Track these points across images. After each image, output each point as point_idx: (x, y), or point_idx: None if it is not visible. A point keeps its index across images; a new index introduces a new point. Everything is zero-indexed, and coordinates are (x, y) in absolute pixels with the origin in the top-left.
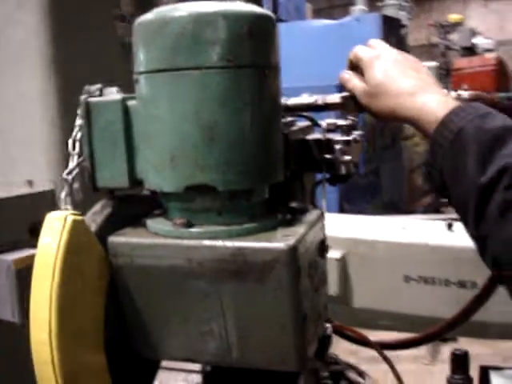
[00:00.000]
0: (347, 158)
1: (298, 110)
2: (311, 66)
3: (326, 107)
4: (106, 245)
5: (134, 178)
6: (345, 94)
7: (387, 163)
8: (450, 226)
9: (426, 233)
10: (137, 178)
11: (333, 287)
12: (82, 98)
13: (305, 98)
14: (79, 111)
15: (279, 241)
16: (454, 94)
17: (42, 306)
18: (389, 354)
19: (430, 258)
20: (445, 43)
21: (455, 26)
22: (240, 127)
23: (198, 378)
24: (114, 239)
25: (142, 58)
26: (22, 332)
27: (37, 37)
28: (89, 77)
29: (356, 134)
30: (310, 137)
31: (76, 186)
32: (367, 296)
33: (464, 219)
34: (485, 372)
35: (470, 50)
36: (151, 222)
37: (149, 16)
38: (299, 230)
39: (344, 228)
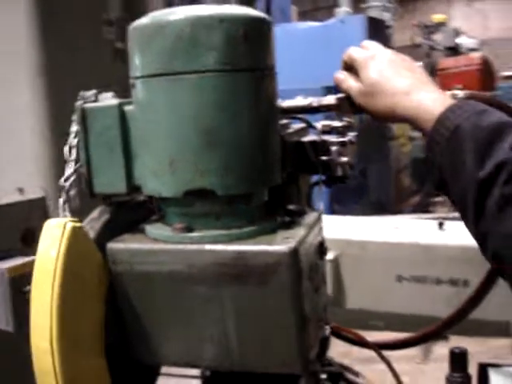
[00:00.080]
0: (343, 159)
1: (292, 112)
2: (297, 68)
3: (321, 109)
4: (105, 251)
5: (131, 184)
6: (340, 95)
7: (374, 164)
8: (440, 225)
9: (417, 232)
10: (134, 183)
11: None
12: (78, 103)
13: (300, 100)
14: (75, 117)
15: (280, 243)
16: (448, 93)
17: (43, 313)
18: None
19: (422, 258)
20: (429, 43)
21: (439, 26)
22: (239, 131)
23: (197, 383)
24: (113, 246)
25: (138, 63)
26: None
27: (25, 46)
28: (79, 83)
29: (351, 135)
30: (306, 139)
31: (73, 192)
32: (360, 297)
33: (464, 215)
34: (483, 369)
35: (454, 50)
36: (150, 228)
37: (144, 20)
38: (299, 232)
39: (336, 229)
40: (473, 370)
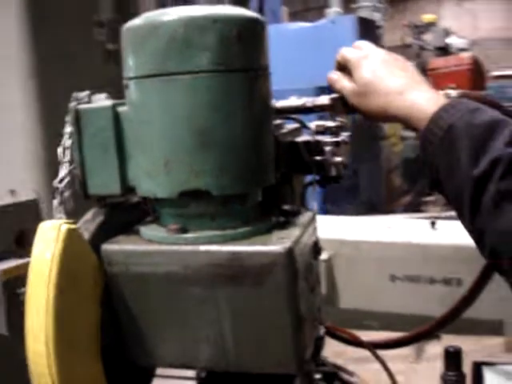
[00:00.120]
0: (338, 159)
1: (286, 113)
2: (289, 68)
3: (314, 109)
4: (100, 253)
5: (125, 185)
6: (333, 95)
7: (366, 164)
8: (433, 225)
9: (410, 232)
10: (129, 184)
11: None
12: (71, 105)
13: (293, 101)
14: (68, 118)
15: (275, 244)
16: (441, 93)
17: (38, 316)
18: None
19: (415, 257)
20: (419, 43)
21: (429, 26)
22: (233, 131)
23: None
24: (108, 247)
25: (131, 64)
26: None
27: (17, 42)
28: (71, 85)
29: (344, 135)
30: (299, 139)
31: (67, 194)
32: (354, 296)
33: (459, 213)
34: (478, 367)
35: (444, 50)
36: (144, 229)
37: (137, 21)
38: (294, 232)
39: (329, 229)
40: (466, 368)
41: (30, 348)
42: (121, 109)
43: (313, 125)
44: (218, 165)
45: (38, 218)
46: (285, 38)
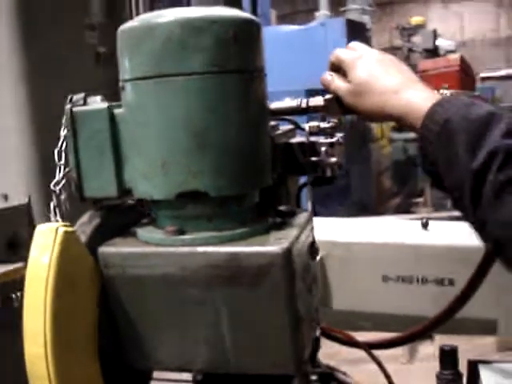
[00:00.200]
0: (333, 159)
1: (281, 114)
2: (279, 71)
3: (309, 110)
4: (96, 256)
5: (122, 187)
6: (328, 96)
7: (356, 166)
8: (424, 225)
9: (402, 232)
10: (125, 187)
11: None
12: (67, 107)
13: (288, 102)
14: (63, 121)
15: (273, 244)
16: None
17: (36, 319)
18: (364, 354)
19: (407, 258)
20: (408, 46)
21: (417, 28)
22: (230, 133)
23: None
24: (105, 250)
25: (127, 66)
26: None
27: (8, 49)
28: (62, 88)
29: (339, 135)
30: (294, 140)
31: (63, 197)
32: (346, 297)
33: (461, 208)
34: (473, 366)
35: (433, 52)
36: (141, 231)
37: (133, 23)
38: (291, 232)
39: (321, 231)
40: (460, 368)
41: (27, 351)
42: (117, 111)
43: (307, 126)
44: (215, 166)
45: (31, 223)
46: (275, 41)
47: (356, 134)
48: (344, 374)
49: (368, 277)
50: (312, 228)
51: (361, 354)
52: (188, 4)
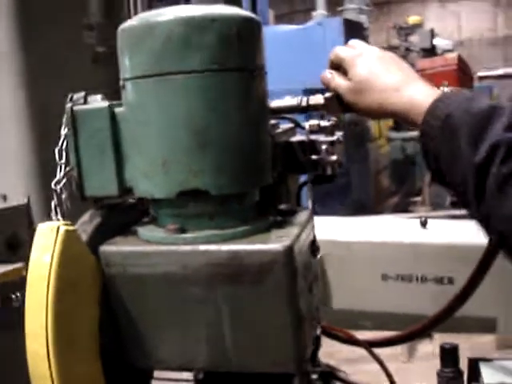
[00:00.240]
0: (333, 157)
1: (281, 112)
2: (277, 70)
3: (309, 108)
4: (98, 254)
5: (123, 186)
6: (328, 94)
7: (355, 165)
8: (423, 224)
9: (401, 231)
10: (126, 185)
11: None
12: (67, 106)
13: (288, 100)
14: (64, 120)
15: (275, 242)
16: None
17: (38, 319)
18: (363, 353)
19: (407, 256)
20: (405, 45)
21: (415, 27)
22: (230, 131)
23: None
24: (106, 248)
25: (127, 64)
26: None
27: (6, 50)
28: (60, 86)
29: (339, 134)
30: (294, 139)
31: (64, 196)
32: (346, 296)
33: (464, 201)
34: (474, 364)
35: (430, 52)
36: (142, 230)
37: (133, 21)
38: (293, 230)
39: (320, 230)
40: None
41: (29, 350)
42: (117, 109)
43: (307, 124)
44: (215, 164)
45: (30, 223)
46: (273, 40)
47: (354, 134)
48: (344, 373)
49: (367, 276)
50: (313, 226)
51: (360, 353)
52: (187, 2)
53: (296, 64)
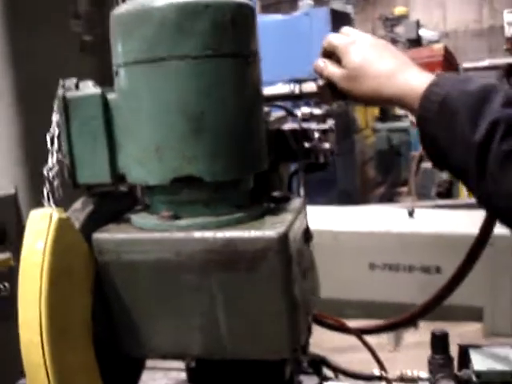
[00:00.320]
0: (326, 145)
1: (274, 100)
2: (263, 60)
3: (302, 96)
4: (90, 242)
5: (116, 174)
6: (320, 82)
7: (341, 156)
8: (410, 214)
9: (388, 221)
10: (119, 173)
11: None
12: (59, 92)
13: (281, 88)
14: (55, 106)
15: (269, 229)
16: None
17: (31, 306)
18: (351, 343)
19: (394, 246)
20: (391, 36)
21: (400, 18)
22: (225, 117)
23: (181, 375)
24: (99, 236)
25: (121, 50)
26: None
27: None
28: (47, 74)
29: (331, 122)
30: (286, 127)
31: (56, 183)
32: (334, 286)
33: (466, 182)
34: (464, 350)
35: (416, 42)
36: (135, 217)
37: (126, 7)
38: (287, 217)
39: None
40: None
41: (23, 338)
42: (110, 96)
43: (299, 112)
44: (210, 151)
45: (18, 213)
46: (259, 30)
47: (340, 125)
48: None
49: (355, 265)
50: (306, 214)
51: (345, 343)
52: None
53: (283, 54)
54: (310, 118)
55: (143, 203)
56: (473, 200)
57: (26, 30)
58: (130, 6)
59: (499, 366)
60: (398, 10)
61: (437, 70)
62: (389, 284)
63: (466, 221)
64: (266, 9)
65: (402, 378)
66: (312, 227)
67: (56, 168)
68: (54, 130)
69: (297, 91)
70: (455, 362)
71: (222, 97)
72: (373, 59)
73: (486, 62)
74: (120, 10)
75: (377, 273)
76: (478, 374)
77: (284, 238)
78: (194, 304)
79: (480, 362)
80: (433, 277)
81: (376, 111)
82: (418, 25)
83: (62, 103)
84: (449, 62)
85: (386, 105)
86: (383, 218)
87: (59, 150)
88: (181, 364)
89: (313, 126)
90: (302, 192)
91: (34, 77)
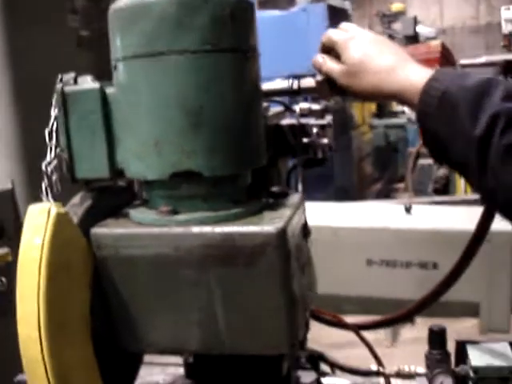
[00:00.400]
0: (324, 141)
1: (272, 95)
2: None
3: (301, 92)
4: (89, 237)
5: (114, 168)
6: (319, 78)
7: (338, 152)
8: (408, 210)
9: (386, 217)
10: (118, 167)
11: None
12: (57, 86)
13: (279, 83)
14: (54, 101)
15: (268, 224)
16: None
17: (30, 301)
18: (349, 338)
19: (391, 242)
20: (388, 32)
21: (397, 15)
22: (224, 112)
23: (179, 370)
24: (98, 231)
25: (119, 44)
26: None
27: None
28: (45, 69)
29: (329, 118)
30: (284, 122)
31: (55, 177)
32: (331, 282)
33: (468, 177)
34: (461, 346)
35: (413, 39)
36: (134, 212)
37: (126, 1)
38: (285, 212)
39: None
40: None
41: (21, 333)
42: (109, 90)
43: (298, 108)
44: (208, 145)
45: (15, 208)
46: (258, 26)
47: (337, 121)
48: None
49: (352, 261)
50: (304, 209)
51: (342, 339)
52: None
53: (279, 50)
54: (309, 113)
55: (141, 198)
56: (469, 196)
57: (24, 25)
58: (128, 0)
59: (496, 362)
60: (395, 7)
61: (434, 66)
62: (386, 280)
63: (463, 217)
64: (264, 5)
65: (399, 374)
66: (309, 223)
67: (54, 162)
68: (53, 124)
69: (295, 87)
70: (452, 358)
71: (220, 91)
72: (373, 55)
73: (483, 59)
74: (119, 4)
75: (374, 269)
76: (476, 370)
77: (283, 234)
78: (192, 299)
79: (477, 358)
80: (430, 273)
81: (373, 107)
82: (415, 21)
83: (61, 97)
84: (446, 58)
85: (386, 100)
86: (381, 214)
87: (57, 144)
88: (178, 359)
89: (311, 121)
90: (300, 187)
91: (32, 72)
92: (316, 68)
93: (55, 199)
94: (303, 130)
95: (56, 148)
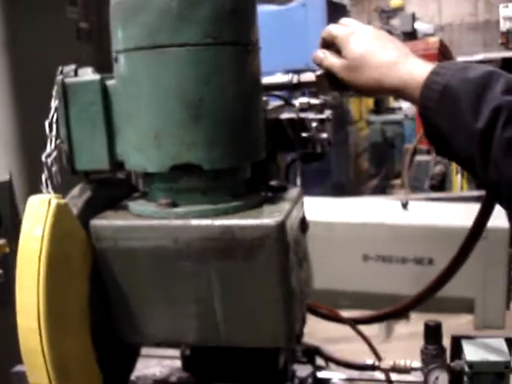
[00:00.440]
0: (323, 135)
1: (272, 89)
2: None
3: (300, 86)
4: (88, 229)
5: (114, 160)
6: (319, 72)
7: (335, 147)
8: (404, 206)
9: (382, 212)
10: (117, 159)
11: None
12: (58, 78)
13: (279, 77)
14: (54, 92)
15: (267, 217)
16: None
17: (29, 293)
18: (345, 333)
19: (387, 237)
20: (386, 28)
21: (396, 11)
22: (224, 105)
23: (176, 363)
24: (97, 223)
25: (121, 36)
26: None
27: None
28: (44, 61)
29: (328, 112)
30: (284, 116)
31: (54, 169)
32: (327, 277)
33: (471, 170)
34: (457, 341)
35: (411, 35)
36: (133, 204)
37: None
38: (284, 206)
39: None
40: None
41: (20, 324)
42: (109, 82)
43: (297, 102)
44: (208, 138)
45: (12, 199)
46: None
47: (335, 117)
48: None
49: (348, 256)
50: (302, 203)
51: (337, 333)
52: None
53: (278, 44)
54: (308, 107)
55: (141, 190)
56: (466, 193)
57: (23, 16)
58: None
59: (492, 357)
60: (394, 3)
61: (433, 62)
62: (382, 275)
63: (459, 213)
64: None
65: (394, 368)
66: (307, 218)
67: (54, 154)
68: (53, 115)
69: (295, 81)
70: (448, 353)
71: (221, 84)
72: (374, 49)
73: (480, 56)
74: None
75: (370, 264)
76: (471, 365)
77: (282, 227)
78: (190, 291)
79: (472, 353)
80: (426, 268)
81: (370, 103)
82: (413, 18)
83: (61, 89)
84: (444, 55)
85: (387, 95)
86: (377, 209)
87: (57, 136)
88: (175, 352)
89: (310, 115)
90: (298, 182)
91: (31, 63)
92: (316, 63)
93: (55, 191)
94: (302, 124)
95: (56, 139)
